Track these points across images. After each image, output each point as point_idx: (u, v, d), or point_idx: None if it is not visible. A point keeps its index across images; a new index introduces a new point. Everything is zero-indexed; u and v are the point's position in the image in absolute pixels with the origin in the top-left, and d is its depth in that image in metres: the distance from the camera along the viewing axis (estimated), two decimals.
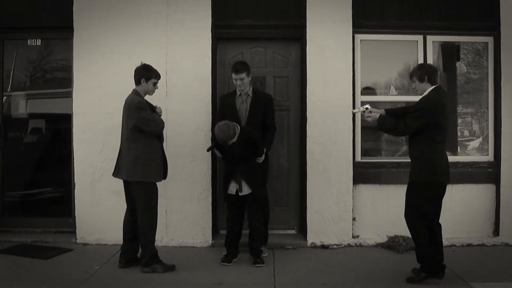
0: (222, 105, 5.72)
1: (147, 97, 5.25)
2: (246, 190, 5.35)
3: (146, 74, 5.14)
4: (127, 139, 5.08)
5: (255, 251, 5.49)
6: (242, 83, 5.47)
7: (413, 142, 4.90)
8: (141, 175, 5.01)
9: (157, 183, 5.16)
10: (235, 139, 5.11)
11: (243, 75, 5.45)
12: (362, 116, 5.21)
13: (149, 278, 4.94)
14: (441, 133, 4.80)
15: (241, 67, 5.48)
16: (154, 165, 5.09)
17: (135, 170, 5.01)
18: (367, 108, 5.01)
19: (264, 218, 5.67)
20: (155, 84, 5.20)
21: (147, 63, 5.19)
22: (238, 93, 5.57)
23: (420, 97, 4.88)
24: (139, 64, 5.18)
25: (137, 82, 5.16)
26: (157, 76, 5.21)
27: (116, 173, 5.19)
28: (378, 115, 4.98)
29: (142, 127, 5.00)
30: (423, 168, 4.76)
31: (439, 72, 5.11)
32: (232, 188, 5.39)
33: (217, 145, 5.33)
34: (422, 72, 4.88)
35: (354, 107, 6.13)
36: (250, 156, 5.34)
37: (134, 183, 5.06)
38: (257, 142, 5.35)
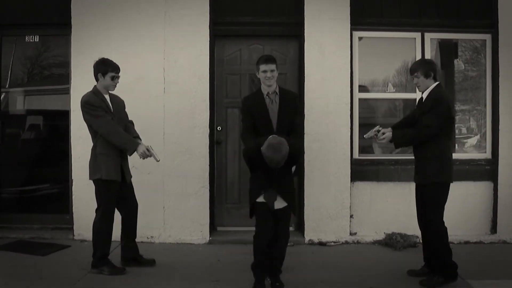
0: (250, 107, 4.77)
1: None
2: (280, 204, 4.53)
3: (102, 69, 4.86)
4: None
5: (276, 272, 4.68)
6: (272, 75, 4.68)
7: (430, 140, 4.61)
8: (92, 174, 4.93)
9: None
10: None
11: (274, 66, 4.71)
12: (374, 139, 4.88)
13: (147, 275, 4.94)
14: (452, 130, 4.65)
15: (271, 56, 4.82)
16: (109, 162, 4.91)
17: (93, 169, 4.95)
18: (378, 131, 4.76)
19: None
20: (113, 78, 4.88)
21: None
22: (264, 92, 4.76)
23: (424, 93, 4.70)
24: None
25: (96, 78, 4.94)
26: (114, 69, 4.89)
27: None
28: (390, 133, 4.73)
29: (93, 127, 4.89)
30: (443, 168, 4.57)
31: None
32: (261, 199, 4.52)
33: (250, 158, 4.52)
34: (428, 67, 4.66)
35: (352, 106, 6.14)
36: (286, 168, 4.51)
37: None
38: (299, 154, 4.83)
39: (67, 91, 6.21)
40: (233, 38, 6.40)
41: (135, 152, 4.86)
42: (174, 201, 6.09)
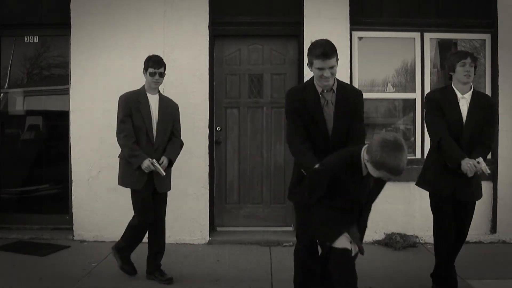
0: (298, 104, 3.70)
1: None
2: (356, 247, 3.42)
3: (145, 64, 4.76)
4: None
5: None
6: (332, 73, 3.58)
7: None
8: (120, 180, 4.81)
9: None
10: None
11: (334, 60, 3.56)
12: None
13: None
14: None
15: (330, 49, 3.54)
16: (126, 169, 4.70)
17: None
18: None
19: None
20: (152, 74, 4.68)
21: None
22: (319, 88, 3.70)
23: (467, 94, 4.32)
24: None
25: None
26: (153, 63, 4.69)
27: None
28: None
29: None
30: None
31: None
32: (344, 242, 3.31)
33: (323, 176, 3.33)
34: None
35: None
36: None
37: None
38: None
39: (66, 92, 6.21)
40: (233, 38, 6.39)
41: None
42: (174, 201, 6.02)
